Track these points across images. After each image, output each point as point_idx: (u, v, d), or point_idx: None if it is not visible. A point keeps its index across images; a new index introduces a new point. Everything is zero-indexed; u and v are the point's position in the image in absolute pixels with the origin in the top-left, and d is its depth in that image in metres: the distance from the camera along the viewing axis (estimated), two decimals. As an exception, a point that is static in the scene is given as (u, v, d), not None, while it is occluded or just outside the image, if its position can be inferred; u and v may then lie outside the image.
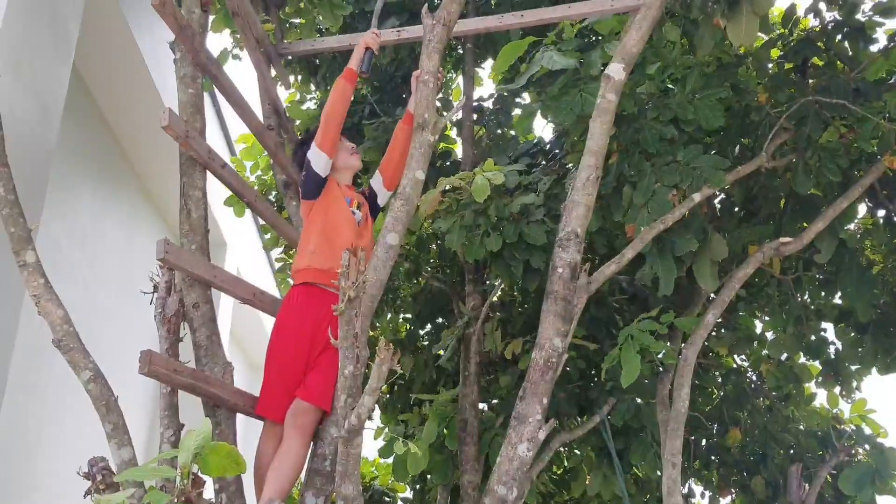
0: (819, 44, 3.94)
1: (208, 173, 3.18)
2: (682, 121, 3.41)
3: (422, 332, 5.52)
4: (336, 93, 3.16)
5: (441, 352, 4.82)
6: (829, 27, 3.96)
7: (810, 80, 3.85)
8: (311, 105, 5.20)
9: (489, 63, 5.18)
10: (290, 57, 4.96)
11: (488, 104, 5.02)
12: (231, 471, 1.73)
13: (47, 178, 3.38)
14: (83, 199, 5.31)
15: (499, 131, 4.90)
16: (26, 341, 4.01)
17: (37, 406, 4.70)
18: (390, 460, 4.55)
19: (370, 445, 4.65)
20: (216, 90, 3.66)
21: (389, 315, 5.64)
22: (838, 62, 3.94)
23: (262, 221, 6.32)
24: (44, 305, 2.59)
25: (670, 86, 3.65)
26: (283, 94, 5.03)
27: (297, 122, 4.98)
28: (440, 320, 5.47)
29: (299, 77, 5.07)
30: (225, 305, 7.43)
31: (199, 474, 1.98)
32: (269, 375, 3.09)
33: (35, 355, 4.37)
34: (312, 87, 5.18)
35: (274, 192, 5.08)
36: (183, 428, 3.00)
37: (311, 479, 2.87)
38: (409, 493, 5.66)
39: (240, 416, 3.11)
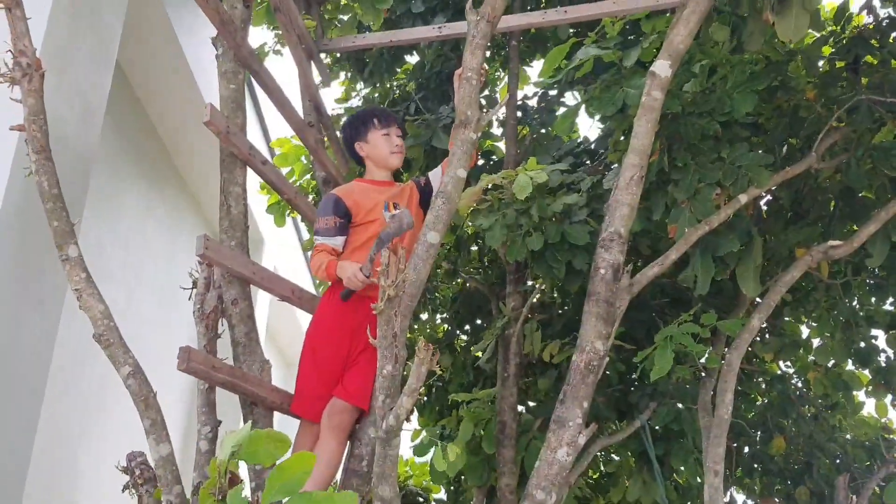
0: (872, 41, 3.82)
1: (249, 170, 3.18)
2: (720, 113, 3.32)
3: (460, 334, 5.48)
4: (317, 269, 3.08)
5: (479, 353, 4.77)
6: (884, 24, 3.83)
7: (863, 79, 3.73)
8: (356, 102, 5.20)
9: (536, 62, 5.13)
10: (338, 55, 4.97)
11: (532, 102, 4.96)
12: (279, 452, 1.72)
13: (89, 178, 3.42)
14: (126, 200, 5.37)
15: (542, 131, 4.83)
16: (69, 337, 4.07)
17: (79, 402, 4.76)
18: (425, 459, 4.51)
19: (407, 447, 4.63)
20: (256, 88, 3.67)
21: (427, 315, 5.61)
22: (893, 60, 3.81)
23: (300, 218, 6.33)
24: (85, 300, 2.61)
25: (715, 84, 3.57)
26: (329, 93, 5.03)
27: (344, 119, 4.99)
28: (478, 321, 5.42)
29: (348, 74, 5.07)
30: (261, 302, 7.47)
31: (236, 473, 1.97)
32: (305, 374, 3.08)
33: (77, 352, 4.43)
34: (360, 86, 5.19)
35: (312, 196, 5.07)
36: (220, 424, 3.01)
37: (347, 479, 2.84)
38: (443, 494, 5.62)
39: (275, 415, 3.10)
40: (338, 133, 4.23)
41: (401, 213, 2.63)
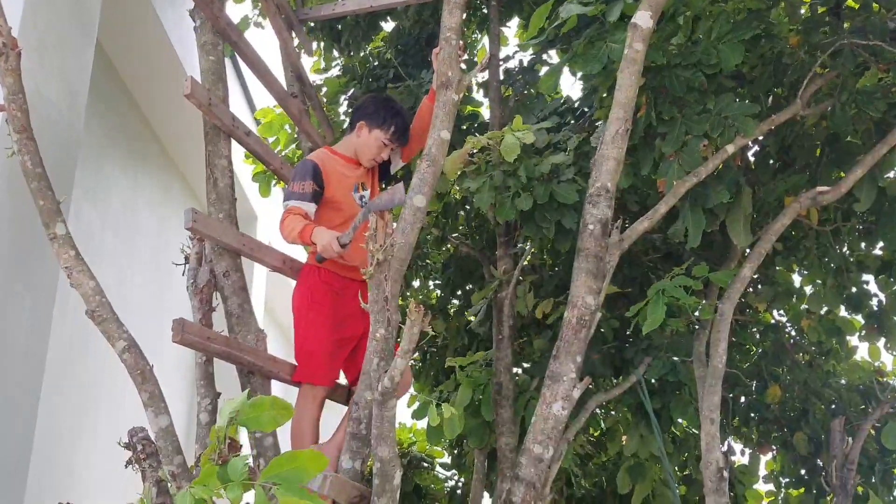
0: (854, -16, 3.80)
1: (234, 142, 3.18)
2: (706, 66, 3.31)
3: (452, 299, 5.50)
4: (288, 231, 3.05)
5: (473, 317, 4.80)
6: (865, -34, 3.80)
7: (845, 23, 3.71)
8: (335, 72, 5.16)
9: (515, 21, 5.08)
10: (312, 24, 4.92)
11: (514, 63, 4.93)
12: (281, 418, 1.75)
13: (76, 159, 3.40)
14: (114, 180, 5.35)
15: (526, 91, 4.81)
16: (66, 318, 4.07)
17: (78, 383, 4.78)
18: (424, 423, 4.55)
19: (406, 412, 4.68)
20: (239, 59, 3.65)
21: (419, 282, 5.62)
22: (874, 3, 3.79)
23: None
24: (76, 277, 2.61)
25: (701, 36, 3.55)
26: (308, 63, 4.99)
27: (325, 89, 4.95)
28: (470, 287, 5.44)
29: (322, 44, 5.02)
30: (258, 277, 7.49)
31: (235, 439, 2.00)
32: (309, 340, 3.11)
33: (75, 332, 4.44)
34: (336, 54, 5.13)
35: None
36: (220, 396, 3.04)
37: (347, 442, 2.88)
38: (447, 459, 5.69)
39: (276, 383, 3.13)
40: (324, 100, 4.22)
41: (397, 186, 2.64)
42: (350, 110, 3.95)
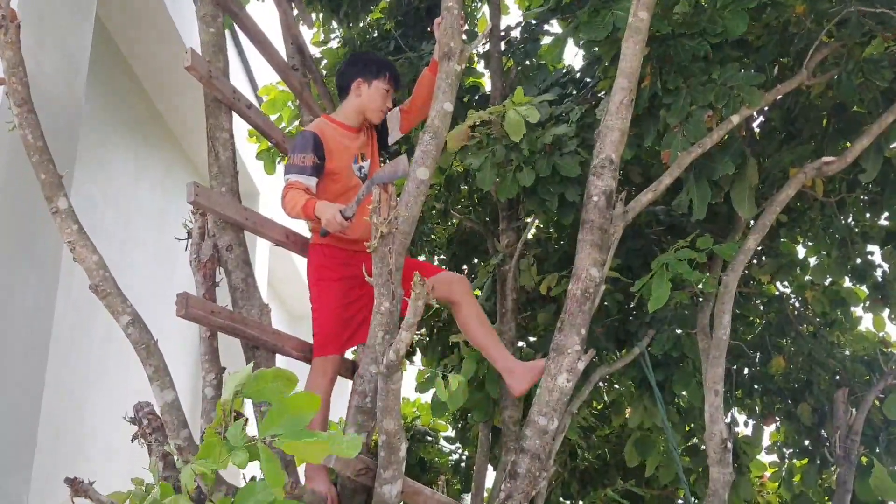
0: (862, -49, 3.74)
1: (236, 116, 3.15)
2: (711, 35, 3.26)
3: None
4: (291, 207, 2.99)
5: (478, 292, 4.79)
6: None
7: (853, -9, 3.66)
8: (334, 44, 5.11)
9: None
10: (310, -4, 4.87)
11: (516, 33, 4.88)
12: (286, 390, 1.74)
13: (78, 130, 3.38)
14: (115, 155, 5.33)
15: (528, 62, 4.76)
16: (71, 291, 4.08)
17: (86, 357, 4.80)
18: (428, 397, 4.58)
19: (412, 387, 4.69)
20: (240, 32, 3.61)
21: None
22: (882, -30, 3.74)
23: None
24: (79, 252, 2.61)
25: (706, 5, 3.50)
26: (307, 35, 4.93)
27: (325, 61, 4.90)
28: (475, 260, 5.44)
29: (321, 16, 4.96)
30: (261, 252, 7.49)
31: (241, 412, 2.00)
32: (325, 317, 3.12)
33: (81, 305, 4.45)
34: (335, 25, 5.08)
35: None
36: (224, 371, 3.04)
37: (352, 416, 2.88)
38: (451, 432, 5.72)
39: (286, 361, 3.13)
40: (324, 73, 4.18)
41: (400, 158, 2.61)
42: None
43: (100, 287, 2.62)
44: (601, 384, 4.95)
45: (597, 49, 3.87)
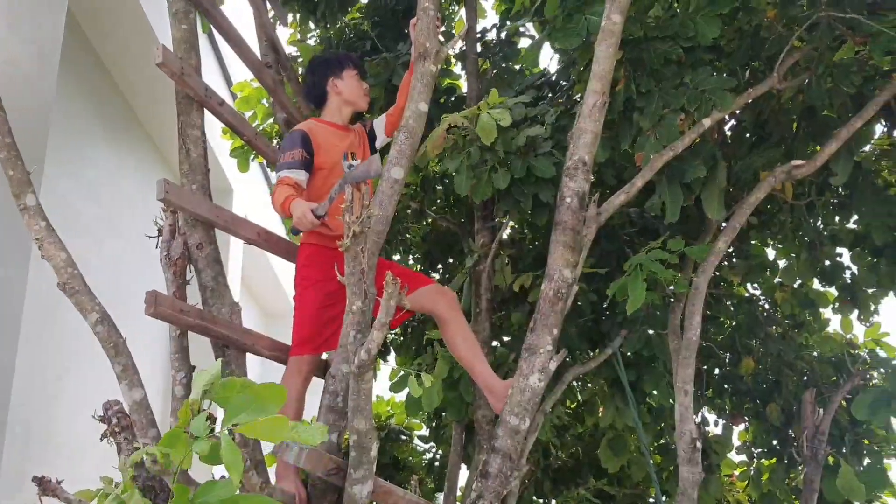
0: (833, -43, 3.79)
1: (207, 112, 3.13)
2: (684, 39, 3.30)
3: (432, 273, 5.50)
4: (277, 203, 2.98)
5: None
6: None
7: (823, -3, 3.71)
8: (311, 42, 5.09)
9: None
10: (287, -4, 4.85)
11: (492, 36, 4.89)
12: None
13: (48, 127, 3.34)
14: (89, 151, 5.27)
15: (504, 65, 4.77)
16: (41, 287, 4.02)
17: (56, 354, 4.74)
18: (403, 396, 4.57)
19: (386, 386, 4.69)
20: (214, 29, 3.59)
21: (398, 256, 5.61)
22: (852, -23, 3.79)
23: (266, 164, 6.27)
24: (47, 249, 2.58)
25: (679, 9, 3.53)
26: (284, 35, 4.91)
27: (301, 59, 4.88)
28: (450, 260, 5.45)
29: (298, 16, 4.94)
30: (235, 250, 7.44)
31: (211, 412, 1.98)
32: (302, 316, 3.12)
33: (51, 302, 4.39)
34: (312, 25, 5.06)
35: (276, 141, 5.01)
36: (195, 370, 3.02)
37: (324, 415, 2.88)
38: (425, 431, 5.72)
39: (257, 359, 3.12)
40: (299, 70, 4.16)
41: (372, 158, 2.61)
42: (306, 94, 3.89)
43: (68, 285, 2.59)
44: (574, 384, 4.98)
45: (572, 52, 3.89)
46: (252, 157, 4.94)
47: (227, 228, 3.08)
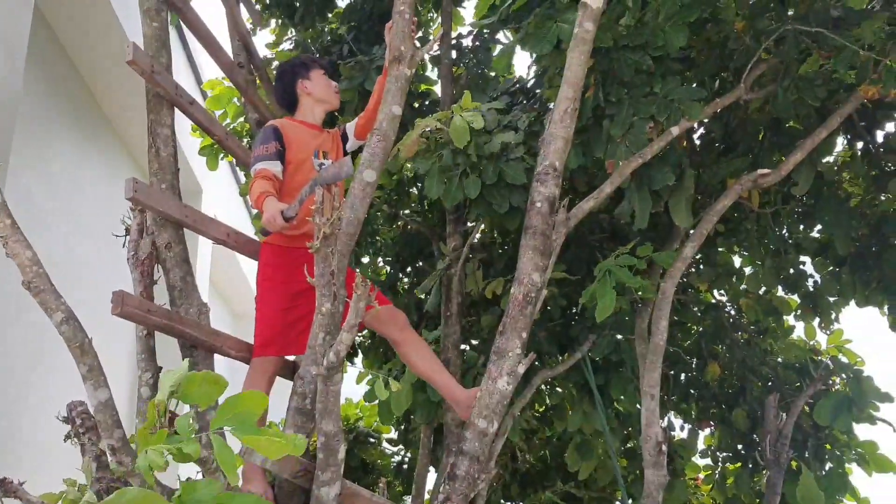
0: (800, -28, 3.86)
1: (177, 111, 3.11)
2: (653, 48, 3.35)
3: (402, 276, 5.50)
4: (253, 196, 2.99)
5: (423, 295, 4.80)
6: (811, -46, 3.87)
7: (789, 10, 3.78)
8: (287, 46, 5.07)
9: (469, 2, 5.06)
10: (267, 0, 4.84)
11: (467, 42, 4.91)
12: (214, 394, 1.73)
13: (14, 123, 3.29)
14: (55, 147, 5.20)
15: (478, 71, 4.79)
16: (3, 290, 3.96)
17: (20, 354, 4.66)
18: (375, 403, 4.57)
19: (355, 388, 4.68)
20: (185, 28, 3.56)
21: (369, 259, 5.61)
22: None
23: (235, 162, 6.22)
24: (11, 247, 2.53)
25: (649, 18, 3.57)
26: (260, 38, 4.90)
27: (276, 63, 4.87)
28: (420, 263, 5.44)
29: (278, 22, 4.94)
30: (204, 251, 7.38)
31: (176, 414, 1.97)
32: (266, 316, 3.10)
33: (14, 301, 4.32)
34: (291, 32, 5.05)
35: (246, 140, 4.99)
36: (161, 370, 2.99)
37: (292, 417, 2.86)
38: (394, 434, 5.71)
39: (225, 361, 3.10)
40: (272, 73, 4.13)
41: (344, 159, 2.61)
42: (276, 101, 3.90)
43: (32, 283, 2.54)
44: (543, 387, 5.01)
45: (543, 58, 3.92)
46: (221, 156, 4.92)
47: (196, 228, 3.06)
